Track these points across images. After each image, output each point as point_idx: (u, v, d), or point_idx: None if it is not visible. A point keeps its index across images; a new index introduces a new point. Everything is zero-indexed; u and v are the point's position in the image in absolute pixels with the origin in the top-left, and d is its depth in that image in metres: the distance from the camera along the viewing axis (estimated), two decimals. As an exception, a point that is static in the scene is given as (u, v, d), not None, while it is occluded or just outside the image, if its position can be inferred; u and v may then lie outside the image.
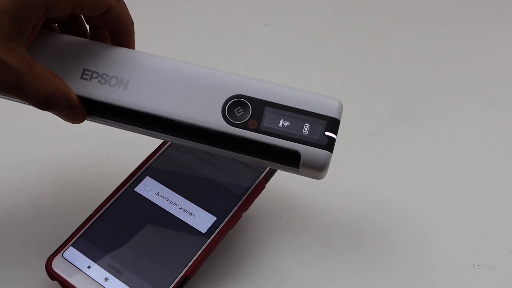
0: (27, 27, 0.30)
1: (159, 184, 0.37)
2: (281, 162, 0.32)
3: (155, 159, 0.38)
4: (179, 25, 0.64)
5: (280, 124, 0.31)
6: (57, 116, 0.33)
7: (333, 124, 0.32)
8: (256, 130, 0.31)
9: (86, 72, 0.32)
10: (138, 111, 0.32)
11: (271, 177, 0.38)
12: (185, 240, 0.34)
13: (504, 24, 0.64)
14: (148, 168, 0.38)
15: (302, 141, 0.31)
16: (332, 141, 0.31)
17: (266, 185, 0.44)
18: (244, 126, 0.31)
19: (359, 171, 0.46)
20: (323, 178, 0.33)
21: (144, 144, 0.46)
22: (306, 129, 0.31)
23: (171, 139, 0.33)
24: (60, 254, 0.34)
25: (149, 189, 0.37)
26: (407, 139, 0.49)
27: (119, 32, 0.35)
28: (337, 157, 0.47)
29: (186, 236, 0.35)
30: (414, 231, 0.41)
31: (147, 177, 0.37)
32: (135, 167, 0.39)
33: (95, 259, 0.34)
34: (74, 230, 0.35)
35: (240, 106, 0.31)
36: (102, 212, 0.36)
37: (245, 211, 0.36)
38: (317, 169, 0.31)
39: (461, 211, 0.42)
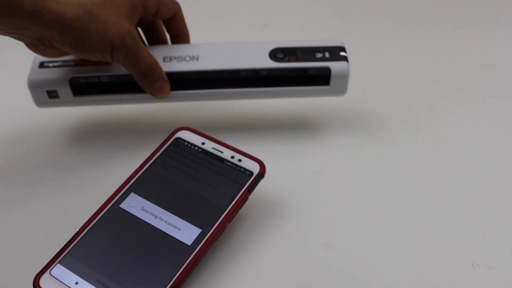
0: (136, 13, 0.40)
1: (144, 199, 0.38)
2: (316, 83, 0.45)
3: (140, 175, 0.39)
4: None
5: (310, 56, 0.44)
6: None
7: (342, 49, 0.45)
8: (296, 61, 0.44)
9: (165, 58, 0.44)
10: (212, 71, 0.44)
11: (253, 189, 0.38)
12: (171, 253, 0.35)
13: (504, 24, 0.64)
14: (133, 184, 0.39)
15: (329, 59, 0.44)
16: (346, 57, 0.45)
17: (266, 185, 0.44)
18: (287, 61, 0.44)
19: (359, 171, 0.46)
20: (345, 92, 0.46)
21: (143, 144, 0.46)
22: (327, 54, 0.45)
23: (235, 92, 0.45)
24: (48, 271, 0.34)
25: (134, 205, 0.37)
26: (407, 138, 0.49)
27: (179, 35, 0.46)
28: (337, 156, 0.48)
29: (172, 248, 0.35)
30: (413, 230, 0.41)
31: (132, 194, 0.38)
32: (132, 171, 0.40)
33: (82, 275, 0.34)
34: (61, 247, 0.35)
35: (279, 53, 0.45)
36: (89, 229, 0.36)
37: (229, 222, 0.37)
38: (344, 77, 0.44)
39: (460, 211, 0.42)
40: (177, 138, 0.41)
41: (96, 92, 0.45)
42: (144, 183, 0.39)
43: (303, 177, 0.45)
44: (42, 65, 0.44)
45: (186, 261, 0.34)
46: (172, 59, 0.44)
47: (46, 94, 0.44)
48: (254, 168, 0.39)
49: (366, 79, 0.56)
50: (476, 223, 0.41)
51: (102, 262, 0.34)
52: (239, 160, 0.39)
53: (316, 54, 0.44)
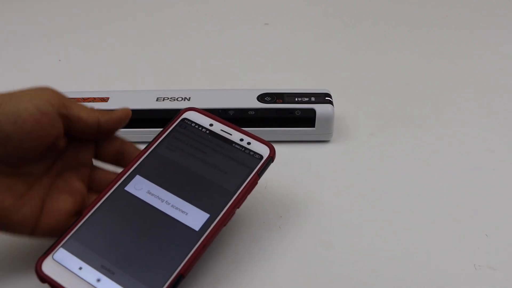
0: None
1: (150, 182, 0.36)
2: (301, 125, 0.47)
3: (145, 157, 0.37)
4: (179, 25, 0.64)
5: (296, 100, 0.47)
6: None
7: (328, 95, 0.48)
8: (282, 103, 0.47)
9: (158, 99, 0.48)
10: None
11: (263, 173, 0.37)
12: (178, 238, 0.33)
13: (505, 24, 0.64)
14: (138, 166, 0.37)
15: (314, 102, 0.47)
16: (331, 101, 0.48)
17: (266, 186, 0.43)
18: (274, 102, 0.47)
19: (359, 171, 0.46)
20: (331, 135, 0.48)
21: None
22: (313, 99, 0.47)
23: None
24: (50, 256, 0.33)
25: (140, 187, 0.36)
26: (407, 138, 0.49)
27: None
28: (337, 157, 0.48)
29: (179, 234, 0.34)
30: (414, 231, 0.41)
31: (137, 176, 0.37)
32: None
33: (86, 260, 0.32)
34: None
35: (267, 96, 0.48)
36: (93, 212, 0.35)
37: (238, 207, 0.36)
38: (329, 119, 0.47)
39: (462, 212, 0.42)
40: (184, 119, 0.39)
41: None
42: (150, 165, 0.37)
43: (303, 177, 0.45)
44: None
45: (194, 247, 0.33)
46: (165, 99, 0.48)
47: None
48: (264, 151, 0.37)
49: (366, 79, 0.56)
50: (477, 224, 0.41)
51: (106, 247, 0.33)
52: (248, 143, 0.38)
53: (303, 98, 0.47)
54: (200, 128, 0.39)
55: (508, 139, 0.49)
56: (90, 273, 0.32)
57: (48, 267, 0.32)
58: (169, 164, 0.37)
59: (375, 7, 0.67)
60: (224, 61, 0.58)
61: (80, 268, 0.32)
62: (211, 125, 0.39)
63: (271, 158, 0.37)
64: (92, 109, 0.36)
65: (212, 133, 0.38)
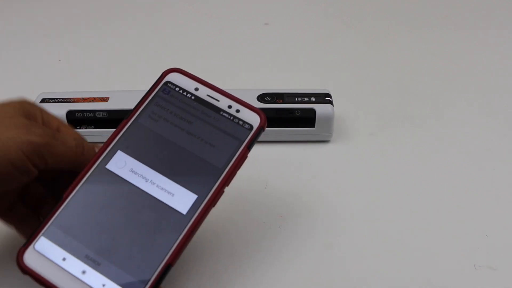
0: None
1: (133, 159, 0.33)
2: (302, 125, 0.47)
3: (127, 129, 0.34)
4: (179, 25, 0.64)
5: (296, 100, 0.47)
6: None
7: (328, 95, 0.48)
8: (282, 103, 0.47)
9: None
10: None
11: (253, 145, 0.34)
12: (165, 223, 0.31)
13: (505, 24, 0.64)
14: (120, 140, 0.34)
15: (314, 102, 0.47)
16: (331, 101, 0.48)
17: (266, 186, 0.43)
18: (274, 102, 0.47)
19: (359, 171, 0.46)
20: (331, 135, 0.48)
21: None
22: (313, 99, 0.47)
23: None
24: (32, 246, 0.30)
25: (122, 165, 0.33)
26: (407, 138, 0.49)
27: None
28: (337, 157, 0.47)
29: (166, 218, 0.32)
30: (414, 231, 0.41)
31: (119, 151, 0.33)
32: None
33: (70, 250, 0.30)
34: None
35: (267, 96, 0.48)
36: (74, 195, 0.32)
37: (227, 185, 0.33)
38: (329, 119, 0.47)
39: (462, 211, 0.42)
40: (167, 82, 0.36)
41: (92, 126, 0.47)
42: (132, 138, 0.34)
43: (303, 177, 0.45)
44: (43, 100, 0.48)
45: (182, 233, 0.31)
46: None
47: None
48: (254, 120, 0.34)
49: (366, 79, 0.56)
50: (478, 224, 0.41)
51: (90, 235, 0.31)
52: (237, 111, 0.35)
53: (303, 98, 0.47)
54: (184, 94, 0.36)
55: (508, 139, 0.49)
56: (74, 265, 0.30)
57: (30, 259, 0.30)
58: (152, 137, 0.34)
59: (375, 7, 0.67)
60: (224, 61, 0.58)
61: (64, 259, 0.30)
62: (196, 89, 0.36)
63: (262, 128, 0.34)
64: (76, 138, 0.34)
65: (198, 99, 0.35)
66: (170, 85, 0.36)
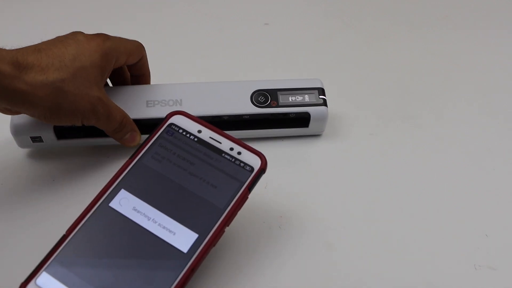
0: (107, 74, 0.41)
1: (136, 197, 0.34)
2: (296, 125, 0.47)
3: (130, 168, 0.36)
4: (179, 25, 0.64)
5: (290, 100, 0.46)
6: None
7: (322, 91, 0.47)
8: (277, 106, 0.46)
9: (149, 103, 0.45)
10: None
11: (254, 187, 0.35)
12: (166, 261, 0.32)
13: (505, 24, 0.64)
14: (123, 179, 0.35)
15: (308, 104, 0.47)
16: (325, 100, 0.47)
17: (266, 186, 0.43)
18: (268, 106, 0.46)
19: (359, 171, 0.46)
20: (323, 131, 0.49)
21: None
22: (307, 98, 0.47)
23: None
24: (33, 281, 0.31)
25: (125, 203, 0.34)
26: (407, 138, 0.49)
27: (142, 75, 0.47)
28: (337, 157, 0.47)
29: (167, 256, 0.32)
30: (414, 232, 0.41)
31: (122, 190, 0.35)
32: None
33: (71, 286, 0.31)
34: (47, 251, 0.33)
35: (261, 96, 0.46)
36: (76, 232, 0.33)
37: (228, 225, 0.34)
38: (322, 120, 0.47)
39: (462, 212, 0.42)
40: (171, 124, 0.37)
41: (80, 135, 0.45)
42: (135, 177, 0.35)
43: (303, 177, 0.45)
44: None
45: (182, 271, 0.32)
46: (156, 103, 0.45)
47: (30, 139, 0.44)
48: (255, 163, 0.36)
49: (366, 79, 0.56)
50: (478, 224, 0.41)
51: (91, 271, 0.32)
52: (239, 153, 0.36)
53: (297, 97, 0.47)
54: (188, 135, 0.37)
55: (508, 139, 0.49)
56: None
57: None
58: (155, 177, 0.35)
59: (375, 7, 0.67)
60: (224, 61, 0.58)
61: None
62: (199, 131, 0.37)
63: (263, 170, 0.36)
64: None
65: (201, 141, 0.37)
66: (174, 127, 0.37)
